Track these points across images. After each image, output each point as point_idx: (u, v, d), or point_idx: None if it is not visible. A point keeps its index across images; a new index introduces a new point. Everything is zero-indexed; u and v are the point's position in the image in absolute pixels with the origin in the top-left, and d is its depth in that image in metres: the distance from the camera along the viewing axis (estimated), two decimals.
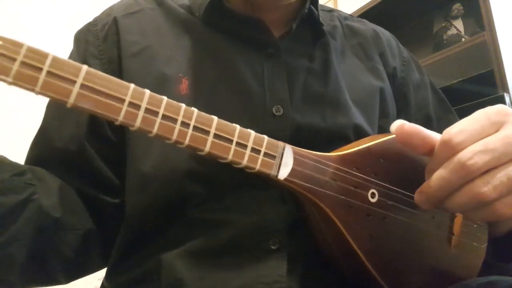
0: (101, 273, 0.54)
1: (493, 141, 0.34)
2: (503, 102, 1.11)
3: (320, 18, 0.58)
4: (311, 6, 0.58)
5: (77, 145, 0.50)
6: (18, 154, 0.54)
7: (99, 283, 0.53)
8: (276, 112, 0.49)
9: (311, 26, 0.58)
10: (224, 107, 0.49)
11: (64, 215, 0.45)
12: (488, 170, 0.33)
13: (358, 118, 0.53)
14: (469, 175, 0.33)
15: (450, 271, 0.45)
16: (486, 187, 0.33)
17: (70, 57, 0.57)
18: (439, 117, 0.63)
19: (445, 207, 0.37)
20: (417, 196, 0.38)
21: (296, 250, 0.44)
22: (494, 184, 0.33)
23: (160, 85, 0.50)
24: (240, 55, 0.52)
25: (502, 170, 0.33)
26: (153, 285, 0.45)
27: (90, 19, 0.59)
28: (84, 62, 0.53)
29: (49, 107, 0.54)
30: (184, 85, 0.50)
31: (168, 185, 0.46)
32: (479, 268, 0.47)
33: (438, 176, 0.35)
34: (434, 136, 0.38)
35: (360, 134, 0.51)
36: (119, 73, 0.52)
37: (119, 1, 0.60)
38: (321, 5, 0.62)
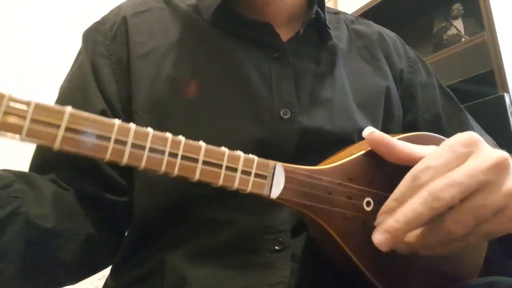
0: (101, 273, 0.54)
1: (459, 175, 0.34)
2: (503, 102, 1.11)
3: (327, 21, 0.59)
4: (318, 9, 0.58)
5: None
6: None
7: (99, 283, 0.54)
8: (284, 115, 0.49)
9: (318, 29, 0.59)
10: (232, 110, 0.49)
11: (59, 223, 0.44)
12: (454, 205, 0.35)
13: (362, 121, 0.53)
14: (441, 208, 0.34)
15: (452, 271, 0.45)
16: (455, 225, 0.35)
17: (78, 56, 0.57)
18: (449, 116, 0.63)
19: (412, 246, 0.37)
20: (378, 236, 0.36)
21: (299, 251, 0.45)
22: (461, 221, 0.34)
23: (169, 88, 0.50)
24: (248, 57, 0.52)
25: (465, 207, 0.35)
26: (156, 284, 0.45)
27: (90, 18, 0.58)
28: (92, 61, 0.54)
29: None
30: (192, 88, 0.50)
31: (174, 187, 0.46)
32: (481, 266, 0.47)
33: (410, 210, 0.35)
34: (401, 146, 0.39)
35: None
36: (127, 73, 0.52)
37: (127, 0, 0.60)
38: (327, 7, 0.62)
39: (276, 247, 0.44)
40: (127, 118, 0.51)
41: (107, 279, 0.52)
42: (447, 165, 0.35)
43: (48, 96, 0.56)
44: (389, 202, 0.37)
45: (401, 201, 0.36)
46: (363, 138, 0.51)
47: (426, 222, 0.35)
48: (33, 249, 0.42)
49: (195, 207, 0.46)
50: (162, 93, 0.50)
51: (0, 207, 0.40)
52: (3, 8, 1.58)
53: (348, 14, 0.69)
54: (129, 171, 0.51)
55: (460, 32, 1.53)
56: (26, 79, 1.48)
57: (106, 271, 0.54)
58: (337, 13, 0.67)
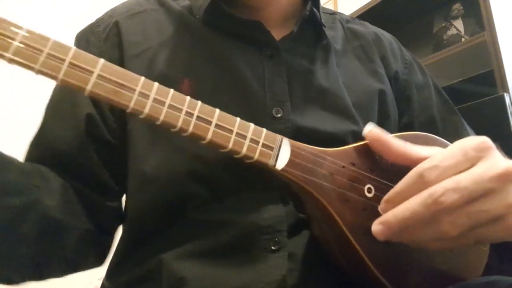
0: (102, 273, 0.54)
1: (465, 179, 0.34)
2: (503, 102, 1.11)
3: (322, 21, 0.59)
4: (313, 7, 0.58)
5: (75, 148, 0.50)
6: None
7: (99, 283, 0.53)
8: (276, 114, 0.49)
9: (313, 28, 0.59)
10: (225, 108, 0.49)
11: (65, 215, 0.45)
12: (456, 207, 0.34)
13: (356, 121, 0.53)
14: (440, 212, 0.34)
15: (451, 270, 0.45)
16: (449, 226, 0.34)
17: None
18: (443, 118, 0.63)
19: (404, 238, 0.37)
20: (376, 227, 0.36)
21: (296, 250, 0.45)
22: (456, 223, 0.34)
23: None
24: (241, 56, 0.52)
25: (464, 210, 0.34)
26: (154, 284, 0.45)
27: (90, 19, 0.59)
28: None
29: (48, 109, 0.54)
30: (185, 86, 0.50)
31: (170, 185, 0.46)
32: (482, 269, 0.47)
33: (408, 208, 0.35)
34: (396, 144, 0.39)
35: (357, 138, 0.51)
36: None
37: (122, 3, 0.60)
38: (323, 7, 0.62)
39: (273, 247, 0.44)
40: (116, 118, 0.51)
41: (103, 280, 0.52)
42: (455, 167, 0.35)
43: (48, 95, 0.56)
44: (392, 193, 0.37)
45: (403, 196, 0.36)
46: (356, 139, 0.51)
47: (423, 221, 0.35)
48: (44, 238, 0.43)
49: (191, 207, 0.46)
50: None
51: (25, 194, 0.41)
52: (3, 8, 1.58)
53: (344, 14, 0.69)
54: (123, 169, 0.51)
55: (460, 32, 1.53)
56: (26, 79, 1.48)
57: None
58: (333, 13, 0.67)
